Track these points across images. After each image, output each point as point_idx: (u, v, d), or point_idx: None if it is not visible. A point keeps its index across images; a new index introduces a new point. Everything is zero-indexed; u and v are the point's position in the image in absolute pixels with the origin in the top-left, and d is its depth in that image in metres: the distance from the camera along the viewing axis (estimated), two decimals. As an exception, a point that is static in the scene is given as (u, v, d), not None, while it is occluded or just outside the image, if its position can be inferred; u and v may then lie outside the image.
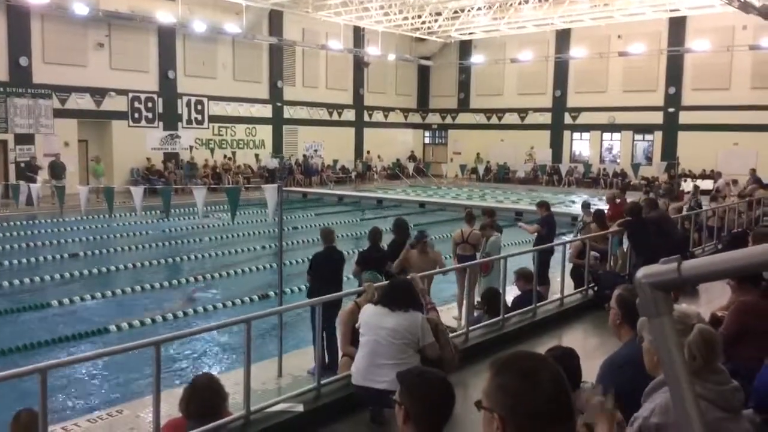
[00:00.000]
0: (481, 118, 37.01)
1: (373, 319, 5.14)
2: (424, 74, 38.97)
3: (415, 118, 39.21)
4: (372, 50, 33.76)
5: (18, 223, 18.09)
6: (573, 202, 24.23)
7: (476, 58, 36.49)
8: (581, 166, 32.88)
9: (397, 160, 36.80)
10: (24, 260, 13.98)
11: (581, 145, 34.92)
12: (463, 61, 37.23)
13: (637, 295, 1.22)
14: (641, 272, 1.20)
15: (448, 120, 38.70)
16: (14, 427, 4.01)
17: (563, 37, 33.58)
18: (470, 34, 34.82)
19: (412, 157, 37.84)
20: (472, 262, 8.85)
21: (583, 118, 33.75)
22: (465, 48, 37.01)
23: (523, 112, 35.42)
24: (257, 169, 29.70)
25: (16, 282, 12.07)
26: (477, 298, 8.56)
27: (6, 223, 18.12)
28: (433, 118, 39.35)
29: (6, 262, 13.64)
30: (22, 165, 22.70)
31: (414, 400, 2.25)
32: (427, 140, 40.32)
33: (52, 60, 23.54)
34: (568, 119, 34.41)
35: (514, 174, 34.63)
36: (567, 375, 1.60)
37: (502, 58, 35.29)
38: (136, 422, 6.21)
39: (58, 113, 23.81)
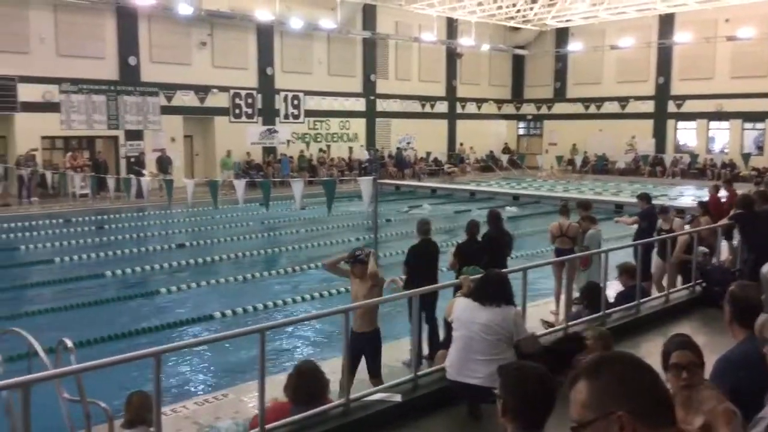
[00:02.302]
0: (578, 108, 35.97)
1: (465, 313, 5.11)
2: (518, 64, 38.27)
3: (509, 109, 38.58)
4: (465, 41, 33.45)
5: (129, 215, 19.15)
6: (681, 194, 23.25)
7: (573, 46, 35.46)
8: (686, 157, 31.38)
9: (491, 152, 36.35)
10: (135, 250, 14.80)
11: (686, 134, 33.32)
12: (559, 49, 36.28)
13: (749, 292, 1.15)
14: (766, 267, 1.13)
15: (544, 110, 37.84)
16: (127, 408, 4.25)
17: (667, 22, 32.08)
18: (567, 21, 33.86)
19: (505, 149, 37.29)
20: (571, 255, 8.63)
21: (689, 106, 32.17)
22: (561, 36, 36.06)
23: (623, 100, 34.15)
24: (350, 161, 30.14)
25: (128, 270, 12.79)
26: (575, 293, 8.35)
27: (117, 215, 19.22)
28: (528, 109, 38.59)
29: (119, 252, 14.48)
30: (132, 160, 24.01)
31: (510, 393, 2.27)
32: (521, 131, 39.61)
33: (158, 59, 24.72)
34: (672, 107, 32.90)
35: (614, 165, 33.48)
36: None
37: (601, 45, 34.13)
38: (240, 406, 6.45)
39: (165, 110, 24.99)
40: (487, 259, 7.57)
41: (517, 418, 2.22)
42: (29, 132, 22.00)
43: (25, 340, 5.22)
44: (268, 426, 4.20)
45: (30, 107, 21.77)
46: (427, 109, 34.25)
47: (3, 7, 21.13)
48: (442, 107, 34.96)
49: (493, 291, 5.08)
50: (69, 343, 5.51)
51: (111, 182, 18.02)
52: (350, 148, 30.76)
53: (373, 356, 6.03)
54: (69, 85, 22.63)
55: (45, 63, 22.00)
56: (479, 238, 8.19)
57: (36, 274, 12.75)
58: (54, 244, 15.20)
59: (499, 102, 37.96)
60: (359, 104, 31.37)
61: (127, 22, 23.88)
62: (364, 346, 5.90)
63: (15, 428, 4.97)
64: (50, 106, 22.25)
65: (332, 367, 6.05)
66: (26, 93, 21.70)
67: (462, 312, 5.09)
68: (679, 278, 9.57)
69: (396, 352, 7.78)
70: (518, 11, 32.18)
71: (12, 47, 21.31)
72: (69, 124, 22.90)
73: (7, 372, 5.11)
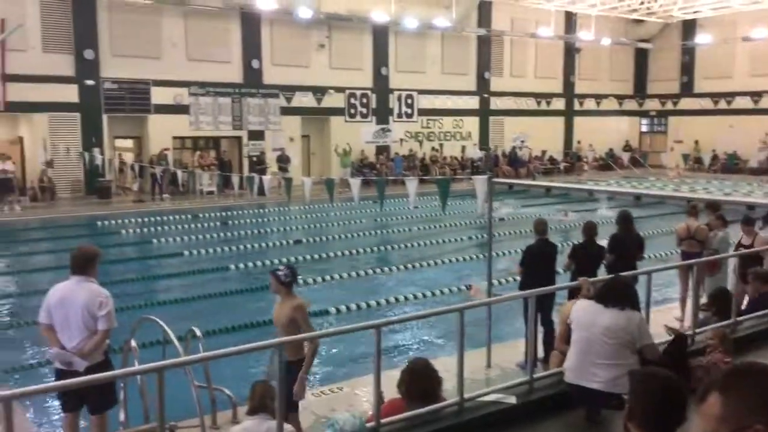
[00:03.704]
0: (706, 103, 33.94)
1: (586, 316, 4.96)
2: (641, 58, 36.61)
3: (631, 105, 36.99)
4: (584, 35, 32.41)
5: (250, 211, 20.00)
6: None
7: (702, 38, 33.46)
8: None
9: (610, 149, 35.02)
10: (255, 245, 15.45)
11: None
12: (686, 42, 34.37)
13: None
14: None
15: (669, 106, 35.98)
16: (251, 396, 4.44)
17: (809, 9, 29.65)
18: (695, 12, 32.03)
19: (627, 147, 35.81)
20: (699, 259, 8.17)
21: (834, 100, 29.61)
22: (688, 28, 34.14)
23: (756, 95, 31.87)
24: (462, 160, 29.99)
25: (250, 264, 13.37)
26: (702, 299, 7.90)
27: (240, 211, 20.13)
28: (651, 105, 36.82)
29: (241, 247, 15.17)
30: (254, 159, 25.07)
31: (640, 399, 2.24)
32: (644, 128, 37.85)
33: (279, 62, 25.66)
34: (814, 101, 30.39)
35: (745, 164, 31.33)
36: None
37: (733, 37, 32.01)
38: (354, 399, 6.60)
39: (285, 111, 25.91)
40: (613, 261, 7.34)
41: (645, 425, 2.17)
42: (161, 132, 23.50)
43: (158, 328, 5.59)
44: (383, 421, 4.27)
45: (162, 109, 23.24)
46: (543, 106, 33.48)
47: (139, 16, 22.68)
48: (558, 104, 34.06)
49: (617, 294, 4.90)
50: (197, 332, 5.86)
51: (235, 180, 18.89)
52: (463, 147, 30.61)
53: (291, 387, 5.08)
54: (197, 88, 23.95)
55: (176, 67, 23.40)
56: (597, 240, 7.93)
57: (166, 266, 13.60)
58: (183, 238, 16.15)
59: (621, 98, 36.48)
60: (472, 102, 31.15)
61: (251, 27, 24.94)
62: (290, 375, 4.92)
63: (147, 410, 5.34)
64: (180, 108, 23.64)
65: (446, 365, 6.05)
66: (159, 95, 23.17)
67: (582, 314, 4.94)
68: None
69: (509, 354, 7.69)
70: (642, 3, 30.81)
71: (147, 53, 22.83)
72: (197, 125, 24.25)
73: (141, 358, 5.48)
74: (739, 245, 8.66)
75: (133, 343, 5.48)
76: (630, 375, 2.38)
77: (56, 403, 5.98)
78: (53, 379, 5.27)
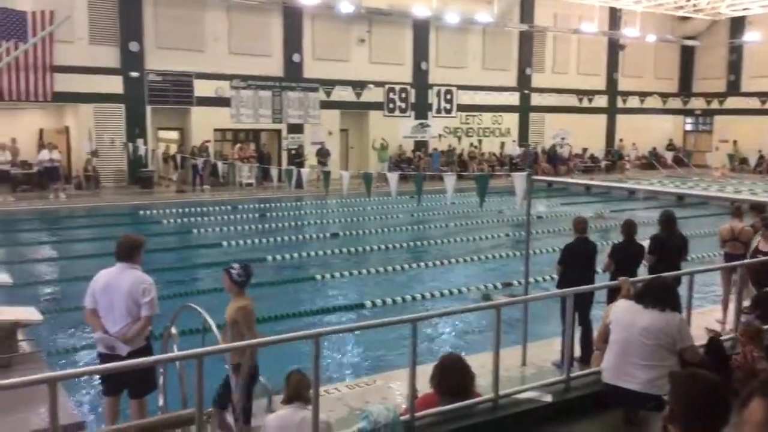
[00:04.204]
0: (754, 102, 33.05)
1: (625, 316, 4.90)
2: (687, 55, 35.82)
3: (676, 103, 36.23)
4: (629, 32, 31.83)
5: (288, 204, 20.19)
6: None
7: (751, 36, 32.57)
8: None
9: (654, 148, 34.37)
10: (293, 237, 15.59)
11: None
12: (734, 39, 33.50)
13: None
14: None
15: (715, 105, 35.15)
16: (287, 385, 4.49)
17: None
18: (744, 9, 31.19)
19: (670, 146, 35.10)
20: (742, 261, 7.97)
21: None
22: (737, 25, 33.26)
23: (808, 94, 30.98)
24: (501, 156, 29.77)
25: (287, 256, 13.50)
26: (745, 302, 7.71)
27: (278, 203, 20.32)
28: (697, 103, 36.02)
29: (279, 238, 15.32)
30: (292, 152, 25.27)
31: (681, 401, 2.21)
32: (688, 127, 37.05)
33: (320, 56, 25.79)
34: None
35: (794, 165, 30.46)
36: None
37: (784, 35, 31.12)
38: (388, 392, 6.63)
39: (324, 105, 26.03)
40: (654, 262, 7.22)
41: (687, 427, 2.13)
42: (203, 124, 23.83)
43: (197, 317, 5.68)
44: (417, 414, 4.28)
45: (204, 102, 23.56)
46: (585, 103, 33.00)
47: (182, 9, 23.02)
48: (601, 101, 33.54)
49: (658, 294, 4.82)
50: (235, 321, 5.92)
51: (274, 173, 19.06)
52: (502, 143, 30.36)
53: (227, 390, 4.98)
54: (239, 82, 24.22)
55: (218, 60, 23.68)
56: (637, 239, 7.81)
57: (206, 256, 13.81)
58: (222, 229, 16.39)
59: (665, 96, 35.76)
60: (513, 98, 30.86)
61: (293, 21, 25.11)
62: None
63: (185, 396, 5.44)
64: (222, 101, 23.94)
65: (480, 362, 6.04)
66: (201, 88, 23.49)
67: (622, 314, 4.88)
68: None
69: (545, 352, 7.63)
70: (688, 0, 30.11)
71: (190, 46, 23.16)
72: (238, 118, 24.53)
73: (180, 345, 5.58)
74: (757, 251, 8.16)
75: (174, 330, 5.58)
76: (671, 376, 2.34)
77: (98, 385, 6.13)
78: (97, 362, 5.41)
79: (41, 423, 5.14)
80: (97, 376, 5.92)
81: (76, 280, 10.86)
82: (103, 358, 5.19)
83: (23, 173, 21.22)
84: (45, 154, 20.62)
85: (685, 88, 36.17)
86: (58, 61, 21.03)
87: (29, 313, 7.01)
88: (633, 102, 34.53)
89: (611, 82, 33.70)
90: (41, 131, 22.83)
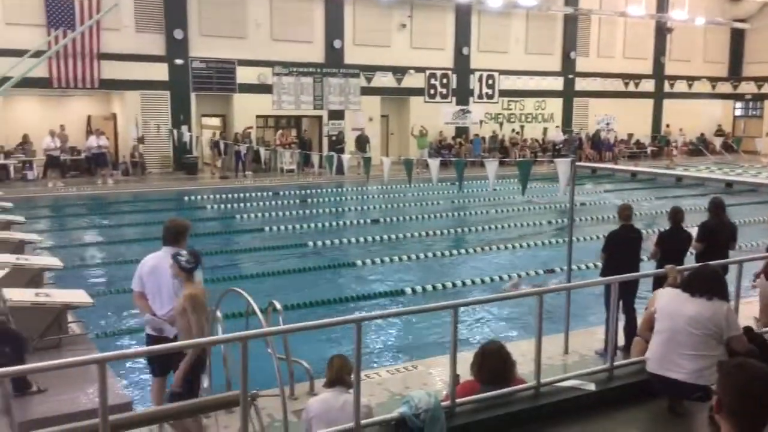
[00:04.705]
0: (808, 87, 31.97)
1: (671, 304, 4.80)
2: (737, 39, 34.74)
3: (725, 87, 35.20)
4: (677, 14, 31.00)
5: (329, 190, 20.29)
6: None
7: (807, 17, 31.45)
8: None
9: (701, 134, 33.51)
10: (333, 223, 15.68)
11: None
12: (788, 21, 32.38)
13: None
14: None
15: (766, 89, 34.06)
16: (329, 368, 4.53)
17: None
18: (800, -12, 30.11)
19: (719, 132, 34.16)
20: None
21: None
22: (792, 6, 32.15)
23: None
24: (543, 143, 29.38)
25: (327, 242, 13.60)
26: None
27: (319, 189, 20.44)
28: (747, 88, 34.93)
29: (319, 224, 15.42)
30: (333, 138, 25.36)
31: (729, 391, 2.17)
32: (738, 112, 36.01)
33: (360, 42, 25.76)
34: None
35: None
36: None
37: (842, 15, 29.93)
38: (428, 378, 6.65)
39: (364, 91, 26.02)
40: (702, 250, 7.06)
41: (735, 418, 2.09)
42: (245, 111, 24.06)
43: (240, 301, 5.78)
44: (457, 401, 4.28)
45: (246, 88, 23.77)
46: (631, 87, 32.31)
47: (226, -3, 23.25)
48: (647, 86, 32.80)
49: (705, 283, 4.72)
50: (278, 306, 6.02)
51: (315, 159, 19.15)
52: (544, 129, 29.95)
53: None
54: (280, 68, 24.36)
55: (260, 47, 23.84)
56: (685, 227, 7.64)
57: (248, 241, 13.99)
58: (264, 214, 16.57)
59: (714, 80, 34.77)
60: (557, 83, 30.39)
61: (334, 7, 25.10)
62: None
63: (229, 378, 5.54)
64: (264, 88, 24.12)
65: (521, 350, 6.01)
66: (243, 75, 23.70)
67: (667, 303, 4.79)
68: None
69: (588, 341, 7.55)
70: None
71: (233, 33, 23.37)
72: (279, 105, 24.70)
73: (224, 328, 5.69)
74: None
75: (218, 313, 5.69)
76: (719, 366, 2.29)
77: (145, 366, 6.29)
78: (145, 344, 5.55)
79: (90, 403, 5.30)
80: (145, 358, 6.07)
81: (123, 263, 11.14)
82: (151, 339, 5.32)
83: (72, 159, 21.78)
84: (93, 141, 21.15)
85: (735, 72, 35.13)
86: (105, 48, 21.45)
87: (79, 296, 7.22)
88: (681, 86, 33.68)
89: (658, 66, 32.91)
90: (89, 118, 23.37)
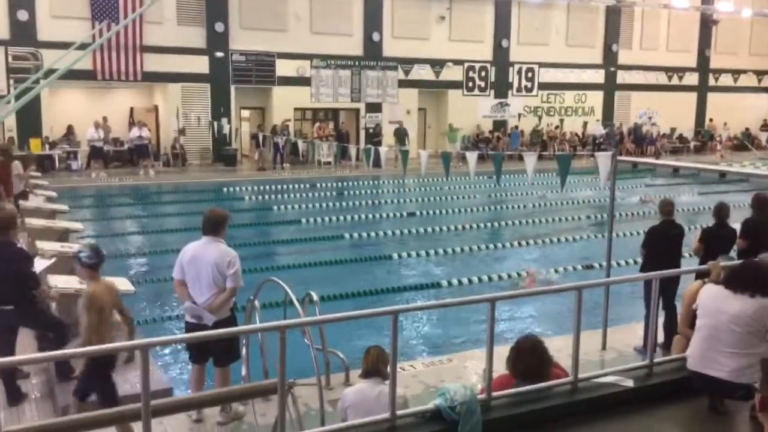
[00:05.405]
0: None
1: (713, 301, 4.70)
2: (787, 30, 33.75)
3: (773, 81, 34.27)
4: (723, 6, 30.22)
5: (365, 182, 20.34)
6: None
7: None
8: None
9: (747, 129, 32.66)
10: (370, 216, 15.72)
11: None
12: (842, 11, 31.31)
13: None
14: None
15: (816, 83, 33.06)
16: (366, 359, 4.56)
17: None
18: None
19: (765, 126, 33.24)
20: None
21: None
22: None
23: None
24: (583, 136, 28.96)
25: (364, 234, 13.65)
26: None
27: (356, 182, 20.51)
28: (796, 81, 33.95)
29: (356, 217, 15.49)
30: (370, 131, 25.40)
31: None
32: (785, 106, 35.02)
33: (399, 35, 25.71)
34: None
35: None
36: None
37: None
38: (463, 372, 6.65)
39: (402, 83, 26.00)
40: (746, 247, 6.90)
41: (779, 416, 2.05)
42: (284, 104, 24.25)
43: (278, 291, 5.84)
44: (493, 394, 4.27)
45: (285, 81, 23.95)
46: (674, 81, 31.63)
47: (269, -10, 23.41)
48: (691, 79, 32.07)
49: (748, 279, 4.61)
50: (314, 297, 6.07)
51: (352, 151, 19.19)
52: (584, 123, 29.52)
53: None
54: (319, 61, 24.48)
55: (299, 40, 23.97)
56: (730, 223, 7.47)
57: (285, 232, 14.13)
58: (301, 206, 16.70)
59: (761, 74, 33.82)
60: (598, 76, 29.91)
61: (373, 0, 25.08)
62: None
63: (266, 367, 5.62)
64: (302, 80, 24.27)
65: (557, 345, 5.95)
66: (283, 68, 23.88)
67: (709, 300, 4.69)
68: None
69: (626, 337, 7.46)
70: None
71: (272, 26, 23.54)
72: (318, 97, 24.83)
73: (261, 318, 5.76)
74: None
75: (257, 303, 5.76)
76: (762, 363, 2.25)
77: (185, 353, 6.41)
78: (184, 332, 5.65)
79: (131, 389, 5.43)
80: (184, 345, 6.18)
81: (164, 252, 11.35)
82: (191, 327, 5.42)
83: (115, 150, 22.25)
84: (135, 132, 21.56)
85: (784, 65, 34.14)
86: (147, 41, 21.81)
87: (121, 284, 7.37)
88: (726, 80, 32.86)
89: (702, 59, 32.15)
90: (131, 110, 23.82)
